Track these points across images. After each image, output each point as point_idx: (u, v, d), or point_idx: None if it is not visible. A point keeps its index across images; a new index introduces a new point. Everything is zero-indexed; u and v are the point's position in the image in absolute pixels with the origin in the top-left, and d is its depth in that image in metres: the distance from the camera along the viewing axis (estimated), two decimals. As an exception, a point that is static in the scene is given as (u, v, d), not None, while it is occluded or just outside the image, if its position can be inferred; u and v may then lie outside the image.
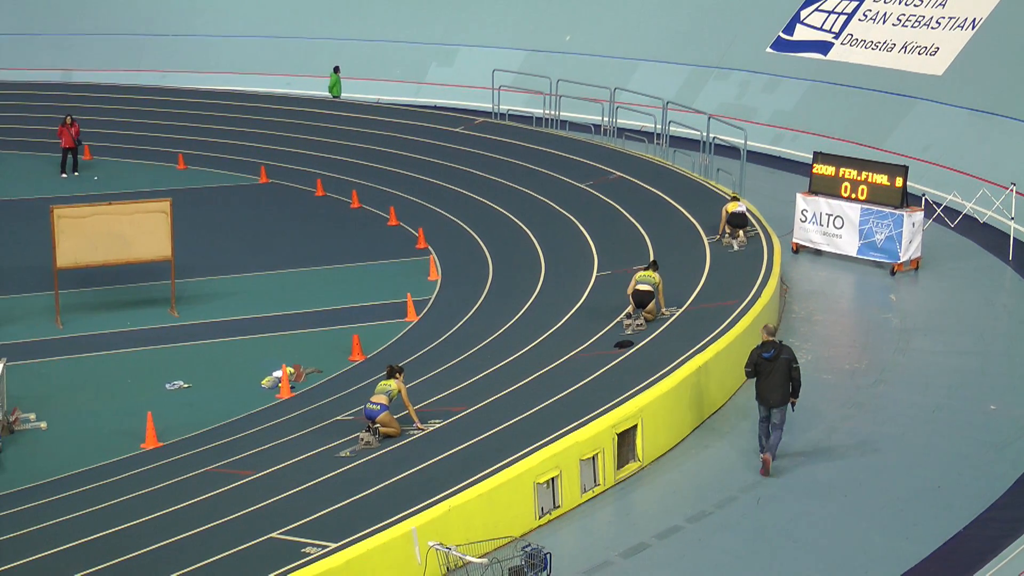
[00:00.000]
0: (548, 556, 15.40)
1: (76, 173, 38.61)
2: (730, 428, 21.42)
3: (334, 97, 44.43)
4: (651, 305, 23.64)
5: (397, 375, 19.89)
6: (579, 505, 18.75)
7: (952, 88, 36.59)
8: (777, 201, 32.48)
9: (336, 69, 44.68)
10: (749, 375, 19.81)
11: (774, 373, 19.40)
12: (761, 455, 19.72)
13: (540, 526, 18.10)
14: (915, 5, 39.13)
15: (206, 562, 15.74)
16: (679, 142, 36.85)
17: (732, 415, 21.89)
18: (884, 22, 39.64)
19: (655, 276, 24.01)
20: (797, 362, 19.59)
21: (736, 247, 27.80)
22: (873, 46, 39.41)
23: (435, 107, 44.63)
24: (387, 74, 46.89)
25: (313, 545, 15.92)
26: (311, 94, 46.14)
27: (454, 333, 25.72)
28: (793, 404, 19.73)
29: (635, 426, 19.76)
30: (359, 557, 15.74)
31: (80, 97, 45.12)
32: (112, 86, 47.64)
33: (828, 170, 29.81)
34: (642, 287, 23.74)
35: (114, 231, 27.19)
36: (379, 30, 48.75)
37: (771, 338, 19.63)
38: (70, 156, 38.61)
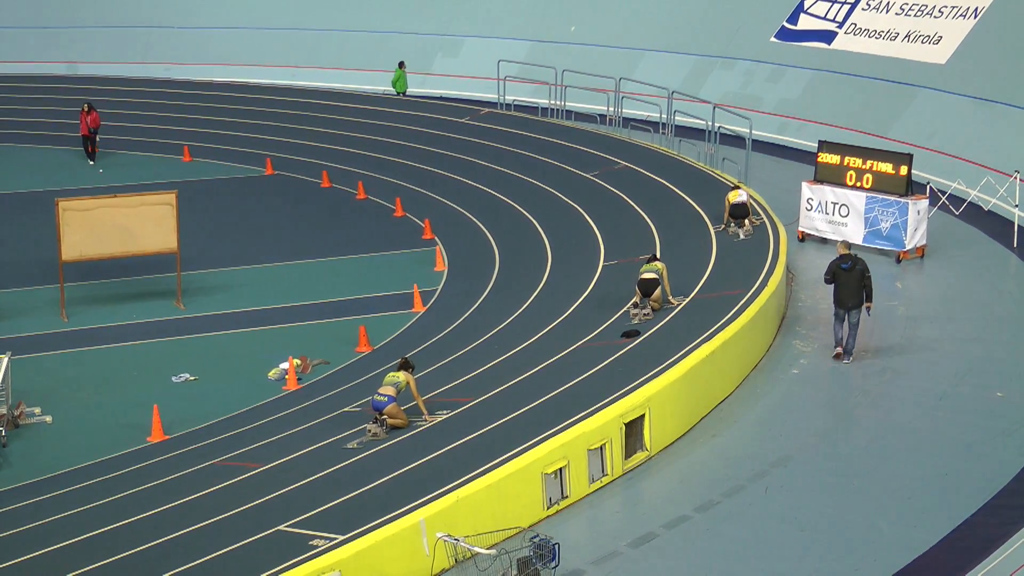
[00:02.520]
0: (556, 546, 15.32)
1: (92, 162, 38.77)
2: (738, 417, 21.30)
3: (398, 93, 43.40)
4: (657, 293, 23.51)
5: (408, 369, 19.80)
6: (587, 495, 18.65)
7: (955, 76, 36.42)
8: (782, 190, 32.32)
9: (401, 64, 43.64)
10: (828, 282, 23.25)
11: (850, 281, 22.85)
12: (837, 348, 23.11)
13: (548, 516, 18.00)
14: (919, -7, 39.00)
15: (213, 555, 15.66)
16: (684, 131, 36.71)
17: (740, 404, 21.78)
18: (887, 11, 39.48)
19: (659, 264, 23.92)
20: (869, 272, 23.02)
21: (742, 236, 27.67)
22: (876, 35, 39.24)
23: (441, 98, 44.48)
24: (392, 65, 46.66)
25: (321, 537, 15.83)
26: (317, 85, 46.07)
27: (461, 324, 25.63)
28: (868, 308, 23.08)
29: (643, 416, 19.66)
30: (367, 549, 15.65)
31: (85, 90, 44.96)
32: (117, 78, 47.52)
33: (833, 159, 29.68)
34: (647, 275, 23.63)
35: (119, 224, 27.11)
36: (384, 21, 48.61)
37: (848, 251, 23.18)
38: (88, 143, 39.00)
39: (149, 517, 17.11)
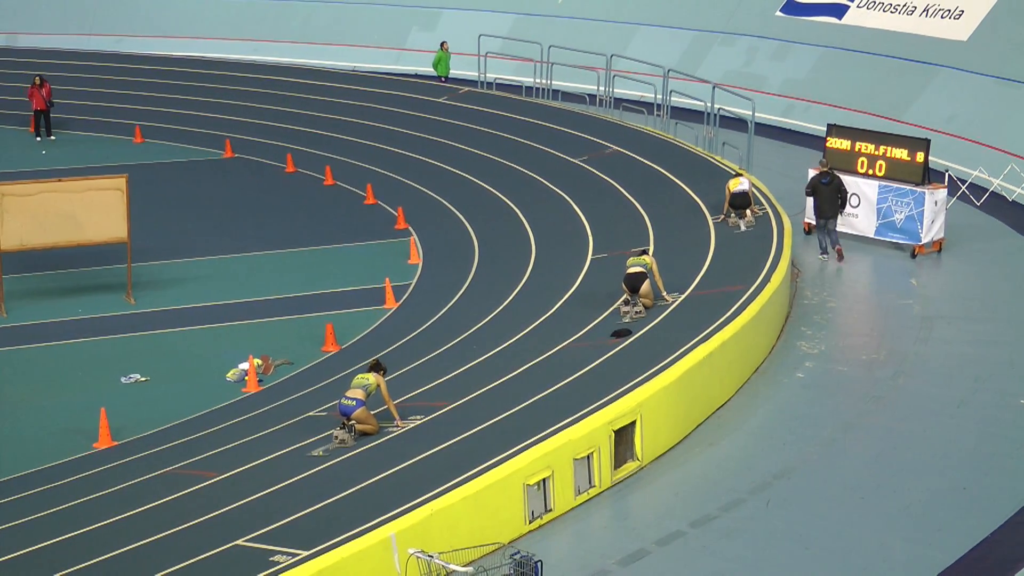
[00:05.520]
0: (539, 564, 15.35)
1: (52, 137, 39.00)
2: (737, 425, 21.38)
3: (439, 76, 42.99)
4: (646, 288, 23.54)
5: (379, 371, 19.80)
6: (573, 508, 18.71)
7: (978, 55, 36.54)
8: (788, 177, 32.42)
9: (443, 44, 43.02)
10: (808, 195, 29.05)
11: (829, 194, 28.33)
12: (832, 251, 28.53)
13: (530, 532, 18.07)
14: (938, -36, 39.12)
15: (166, 571, 15.68)
16: (681, 113, 36.76)
17: (740, 410, 21.85)
18: (904, -17, 39.59)
19: (647, 258, 23.97)
20: (844, 185, 28.50)
21: (743, 227, 27.75)
22: (892, 9, 39.34)
23: (416, 75, 44.48)
24: (364, 40, 46.69)
25: (282, 553, 15.86)
26: (281, 61, 46.06)
27: (436, 321, 25.66)
28: (840, 212, 28.59)
29: (634, 422, 19.71)
30: (333, 566, 15.68)
31: (26, 64, 44.87)
32: (62, 52, 47.40)
33: (843, 144, 29.77)
34: (633, 269, 23.65)
35: (64, 210, 27.06)
36: (355, -9, 48.62)
37: (826, 168, 28.53)
38: (43, 119, 39.16)
39: (95, 530, 17.12)
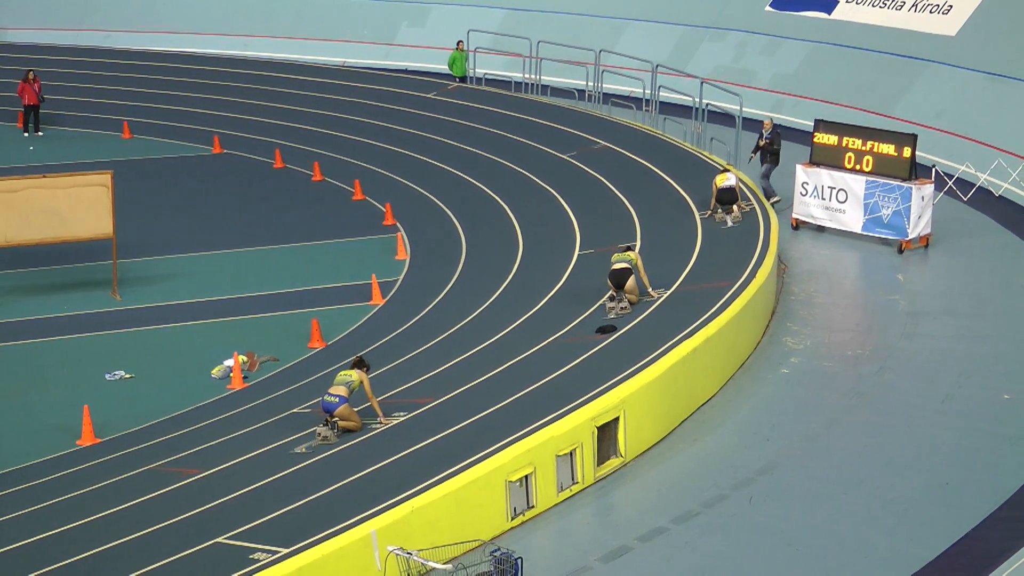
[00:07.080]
0: (519, 561, 15.34)
1: (40, 133, 38.99)
2: (721, 421, 21.39)
3: (455, 76, 42.56)
4: (631, 284, 23.54)
5: (363, 367, 19.80)
6: (555, 505, 18.72)
7: (966, 50, 36.55)
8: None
9: (458, 44, 42.50)
10: (754, 151, 31.75)
11: (771, 149, 31.35)
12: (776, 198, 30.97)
13: (512, 528, 18.07)
14: (927, -41, 39.12)
15: (146, 569, 15.68)
16: (670, 109, 36.76)
17: (724, 406, 21.87)
18: (893, -22, 39.60)
19: (632, 254, 23.98)
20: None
21: (730, 223, 27.76)
22: (881, 4, 39.35)
23: (405, 71, 44.49)
24: (354, 35, 46.65)
25: (262, 551, 15.86)
26: (270, 56, 46.03)
27: (423, 318, 25.67)
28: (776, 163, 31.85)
29: (617, 419, 19.72)
30: (312, 563, 15.69)
31: (14, 59, 44.84)
32: (50, 46, 47.37)
33: (831, 139, 29.79)
34: (618, 266, 23.66)
35: (49, 206, 27.03)
36: (344, -14, 48.60)
37: (773, 127, 31.72)
38: (32, 114, 39.20)
39: (78, 527, 17.12)
